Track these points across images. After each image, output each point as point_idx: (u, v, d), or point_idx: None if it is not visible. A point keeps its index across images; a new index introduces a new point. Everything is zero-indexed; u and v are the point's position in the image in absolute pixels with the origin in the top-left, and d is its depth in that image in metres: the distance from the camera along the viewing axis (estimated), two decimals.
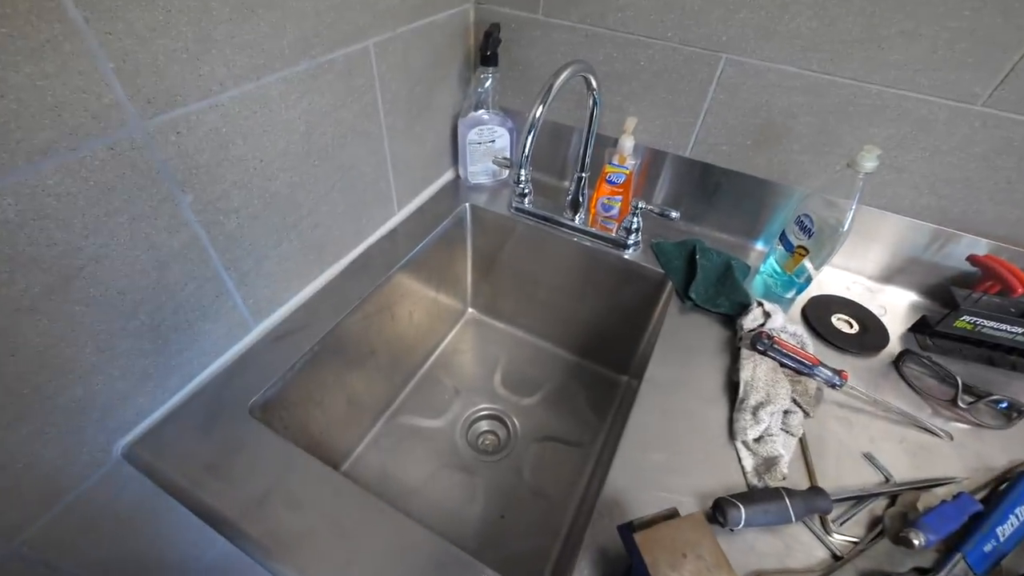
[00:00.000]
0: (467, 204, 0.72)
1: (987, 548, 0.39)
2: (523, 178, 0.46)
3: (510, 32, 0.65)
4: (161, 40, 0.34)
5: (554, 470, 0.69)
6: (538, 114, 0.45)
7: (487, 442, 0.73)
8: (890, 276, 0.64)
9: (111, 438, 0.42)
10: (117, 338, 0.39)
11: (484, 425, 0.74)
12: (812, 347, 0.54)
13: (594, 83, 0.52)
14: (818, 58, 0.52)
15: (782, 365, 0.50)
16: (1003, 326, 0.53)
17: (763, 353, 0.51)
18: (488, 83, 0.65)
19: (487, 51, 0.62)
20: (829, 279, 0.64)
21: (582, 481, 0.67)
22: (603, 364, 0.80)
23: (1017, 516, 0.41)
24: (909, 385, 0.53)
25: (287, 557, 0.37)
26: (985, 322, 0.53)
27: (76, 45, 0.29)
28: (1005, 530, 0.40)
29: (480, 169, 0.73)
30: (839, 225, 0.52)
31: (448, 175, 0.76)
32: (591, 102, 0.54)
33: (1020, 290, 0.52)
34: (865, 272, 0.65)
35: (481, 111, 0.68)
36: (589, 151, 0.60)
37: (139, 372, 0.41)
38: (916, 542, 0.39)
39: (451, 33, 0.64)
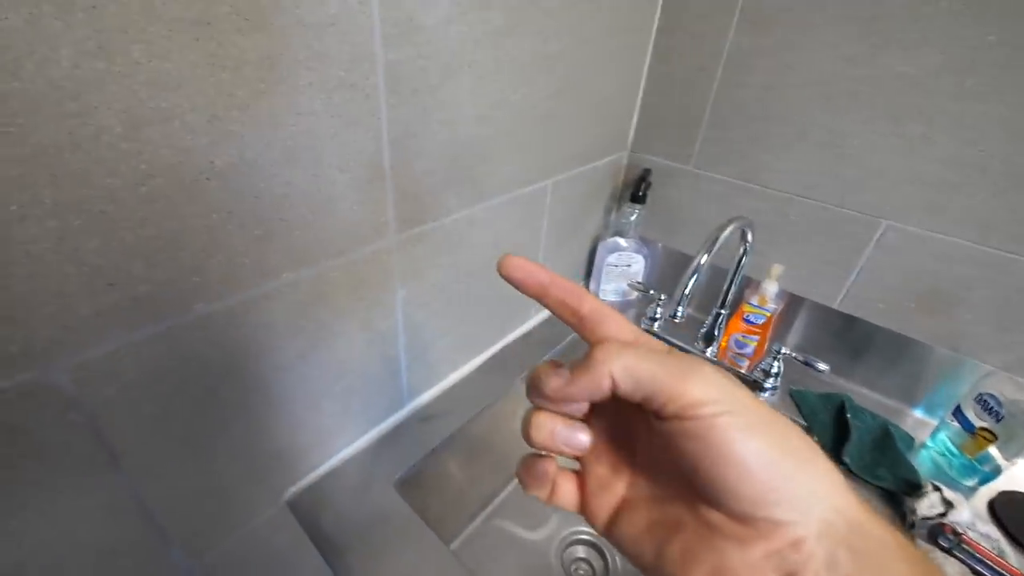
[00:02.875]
0: None
1: None
2: (680, 315, 0.50)
3: (660, 176, 0.74)
4: (428, 180, 0.44)
5: None
6: (703, 261, 0.49)
7: (580, 571, 0.68)
8: None
9: (284, 484, 0.47)
10: (325, 399, 0.46)
11: (580, 551, 0.70)
12: (1015, 559, 0.45)
13: (749, 237, 0.56)
14: (997, 237, 0.52)
15: (974, 572, 0.43)
16: None
17: (947, 551, 0.44)
18: (634, 217, 0.73)
19: (638, 191, 0.71)
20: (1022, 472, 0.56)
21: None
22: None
23: None
24: None
25: None
26: None
27: (379, 182, 0.40)
28: None
29: (612, 288, 0.78)
30: None
31: None
32: (742, 251, 0.58)
33: None
34: None
35: (619, 238, 0.75)
36: (732, 291, 0.63)
37: (326, 428, 0.48)
38: None
39: (607, 173, 0.74)
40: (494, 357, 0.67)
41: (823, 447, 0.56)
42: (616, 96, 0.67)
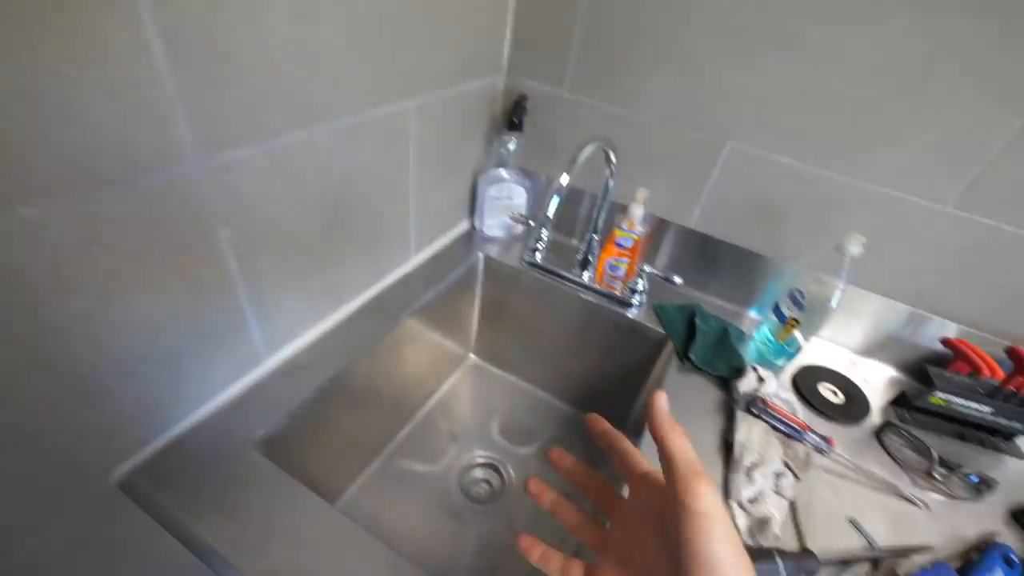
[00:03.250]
0: (481, 254, 0.75)
1: None
2: (544, 237, 0.49)
3: (535, 102, 0.71)
4: (233, 90, 0.36)
5: (548, 523, 0.68)
6: (564, 182, 0.49)
7: (481, 490, 0.72)
8: (871, 351, 0.69)
9: (107, 465, 0.41)
10: (140, 364, 0.39)
11: (479, 473, 0.73)
12: (801, 413, 0.57)
13: (613, 158, 0.57)
14: (813, 154, 0.59)
15: (774, 429, 0.53)
16: (972, 404, 0.57)
17: (757, 416, 0.53)
18: (512, 146, 0.70)
19: (514, 118, 0.68)
20: (816, 349, 0.68)
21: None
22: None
23: None
24: (889, 455, 0.56)
25: None
26: (957, 400, 0.57)
27: (153, 91, 0.32)
28: None
29: (496, 223, 0.77)
30: (828, 301, 0.57)
31: (463, 225, 0.80)
32: (608, 173, 0.59)
33: (987, 372, 0.56)
34: (849, 345, 0.69)
35: (500, 169, 0.72)
36: (603, 216, 0.64)
37: (151, 400, 0.41)
38: None
39: (482, 99, 0.69)
40: (371, 302, 0.63)
41: (676, 350, 0.64)
42: (485, 8, 0.61)
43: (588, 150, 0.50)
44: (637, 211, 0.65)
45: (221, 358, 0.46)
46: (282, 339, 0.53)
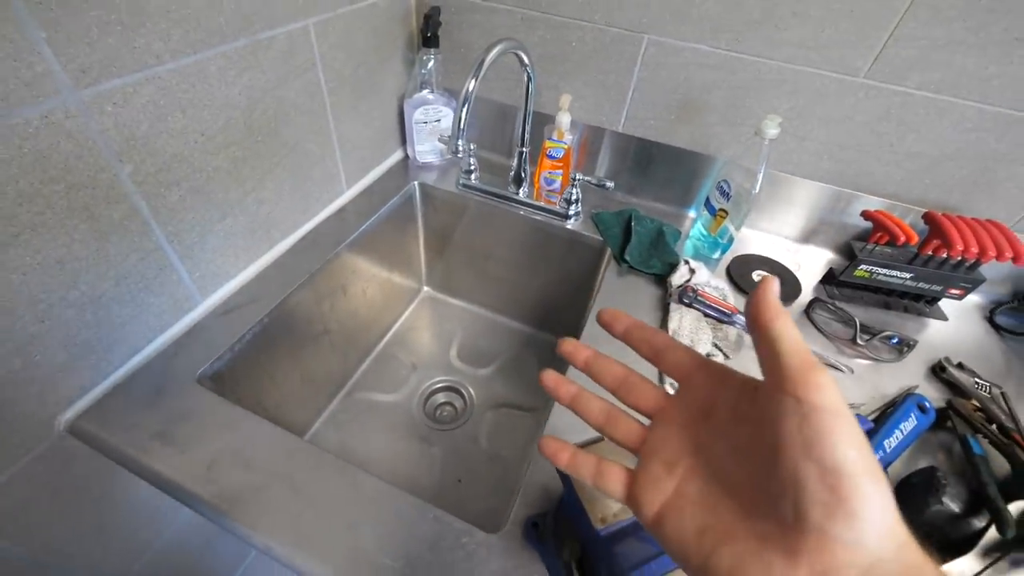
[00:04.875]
0: (416, 182, 0.74)
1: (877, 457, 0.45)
2: (461, 149, 0.49)
3: (451, 15, 0.68)
4: (93, 11, 0.34)
5: (510, 435, 0.72)
6: (471, 87, 0.48)
7: (444, 413, 0.75)
8: (807, 237, 0.71)
9: (52, 411, 0.42)
10: (57, 308, 0.39)
11: (441, 397, 0.77)
12: (733, 300, 0.59)
13: (526, 59, 0.55)
14: (726, 38, 0.58)
15: (706, 315, 0.56)
16: (894, 272, 0.60)
17: (688, 305, 0.56)
18: (431, 64, 0.68)
19: (427, 33, 0.65)
20: (756, 242, 0.70)
21: (535, 442, 0.71)
22: (553, 332, 0.84)
23: (901, 430, 0.48)
24: (817, 329, 0.59)
25: (239, 514, 0.38)
26: (879, 270, 0.61)
27: (5, 13, 0.30)
28: (891, 442, 0.47)
29: (428, 148, 0.75)
30: (752, 188, 0.58)
31: (397, 155, 0.78)
32: (525, 77, 0.58)
33: (902, 239, 0.59)
34: (786, 234, 0.72)
35: (425, 91, 0.70)
36: (528, 125, 0.63)
37: (81, 344, 0.42)
38: None
39: (392, 16, 0.66)
40: (304, 239, 0.63)
41: (613, 254, 0.65)
42: None
43: (495, 52, 0.49)
44: (564, 119, 0.64)
45: (151, 301, 0.47)
46: (215, 281, 0.53)
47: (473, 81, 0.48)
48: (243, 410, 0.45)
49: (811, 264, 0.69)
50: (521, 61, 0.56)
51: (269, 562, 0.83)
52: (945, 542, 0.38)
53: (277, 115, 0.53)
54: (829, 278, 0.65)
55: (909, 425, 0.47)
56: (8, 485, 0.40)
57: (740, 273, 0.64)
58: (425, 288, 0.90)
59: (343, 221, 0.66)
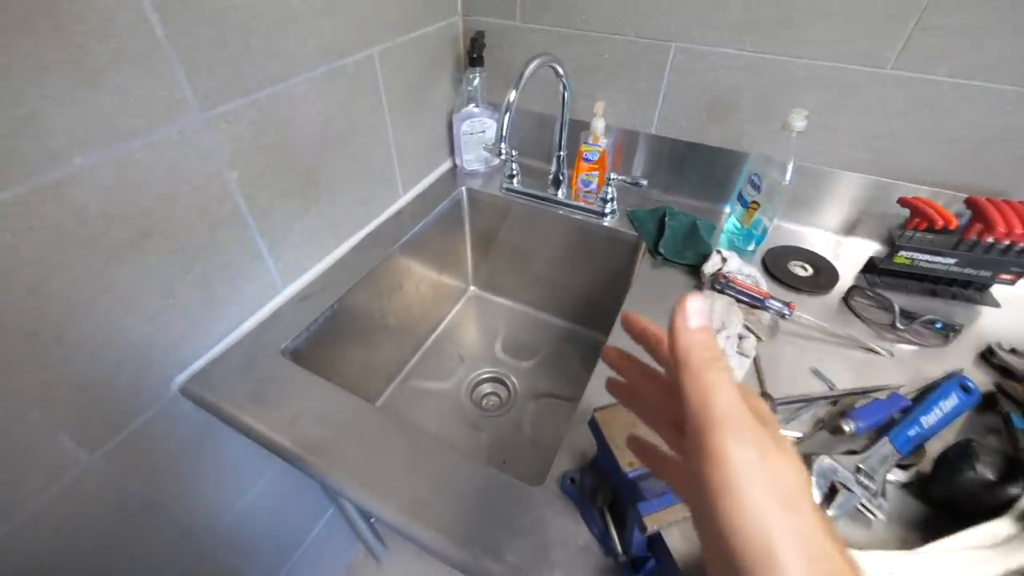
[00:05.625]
0: (463, 187, 0.81)
1: (911, 433, 0.45)
2: (504, 152, 0.55)
3: (494, 37, 0.75)
4: (215, 50, 0.44)
5: (551, 422, 0.76)
6: (512, 98, 0.54)
7: (490, 402, 0.80)
8: (851, 228, 0.71)
9: (170, 374, 0.51)
10: (178, 287, 0.48)
11: (487, 387, 0.82)
12: (766, 287, 0.61)
13: (561, 71, 0.61)
14: (751, 40, 0.61)
15: (738, 301, 0.58)
16: (936, 258, 0.60)
17: (720, 291, 0.58)
18: (476, 81, 0.76)
19: (473, 54, 0.73)
20: (798, 235, 0.71)
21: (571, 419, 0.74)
22: (592, 327, 0.88)
23: (940, 408, 0.47)
24: (856, 315, 0.59)
25: (317, 460, 0.45)
26: (921, 256, 0.60)
27: (161, 53, 0.40)
28: (929, 419, 0.47)
29: (474, 157, 0.83)
30: (782, 178, 0.60)
31: (446, 164, 0.86)
32: (561, 87, 0.64)
33: (940, 223, 0.58)
34: (828, 226, 0.72)
35: (472, 106, 0.78)
36: (565, 132, 0.69)
37: (194, 317, 0.51)
38: (847, 428, 0.45)
39: (443, 41, 0.74)
40: (367, 237, 0.71)
41: (648, 248, 0.69)
42: None
43: (533, 65, 0.55)
44: (598, 124, 0.69)
45: (245, 286, 0.56)
46: (295, 271, 0.62)
47: (514, 92, 0.54)
48: (320, 378, 0.52)
49: (855, 255, 0.68)
50: (557, 73, 0.62)
51: (323, 545, 0.90)
52: (977, 508, 0.38)
53: (347, 130, 0.61)
54: (870, 267, 0.65)
55: (949, 404, 0.47)
56: (134, 434, 0.49)
57: (776, 263, 0.65)
58: (472, 288, 0.96)
59: (400, 222, 0.74)
